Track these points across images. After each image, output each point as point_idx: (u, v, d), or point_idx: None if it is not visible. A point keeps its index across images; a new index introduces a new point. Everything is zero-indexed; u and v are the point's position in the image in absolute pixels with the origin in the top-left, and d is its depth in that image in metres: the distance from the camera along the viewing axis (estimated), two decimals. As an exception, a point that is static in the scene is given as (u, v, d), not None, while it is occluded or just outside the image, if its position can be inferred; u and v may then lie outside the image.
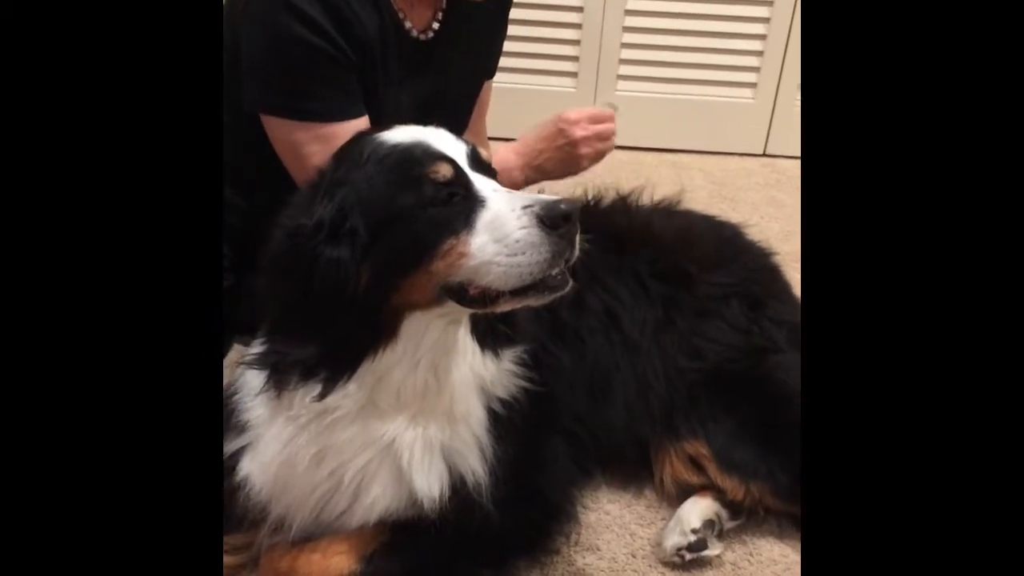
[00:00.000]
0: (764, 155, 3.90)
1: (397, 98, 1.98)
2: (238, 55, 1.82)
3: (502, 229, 1.27)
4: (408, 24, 1.94)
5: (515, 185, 2.08)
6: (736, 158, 3.85)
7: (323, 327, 1.35)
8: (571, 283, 1.32)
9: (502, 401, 1.52)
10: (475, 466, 1.48)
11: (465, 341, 1.46)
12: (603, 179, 2.21)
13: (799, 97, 3.78)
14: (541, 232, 1.25)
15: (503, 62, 2.36)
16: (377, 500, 1.46)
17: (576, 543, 1.76)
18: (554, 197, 1.29)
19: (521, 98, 3.71)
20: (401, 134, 1.41)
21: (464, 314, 1.40)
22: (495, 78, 2.37)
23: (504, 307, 1.34)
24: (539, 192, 1.49)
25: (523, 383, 1.54)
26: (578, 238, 1.29)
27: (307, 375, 1.37)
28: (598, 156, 2.19)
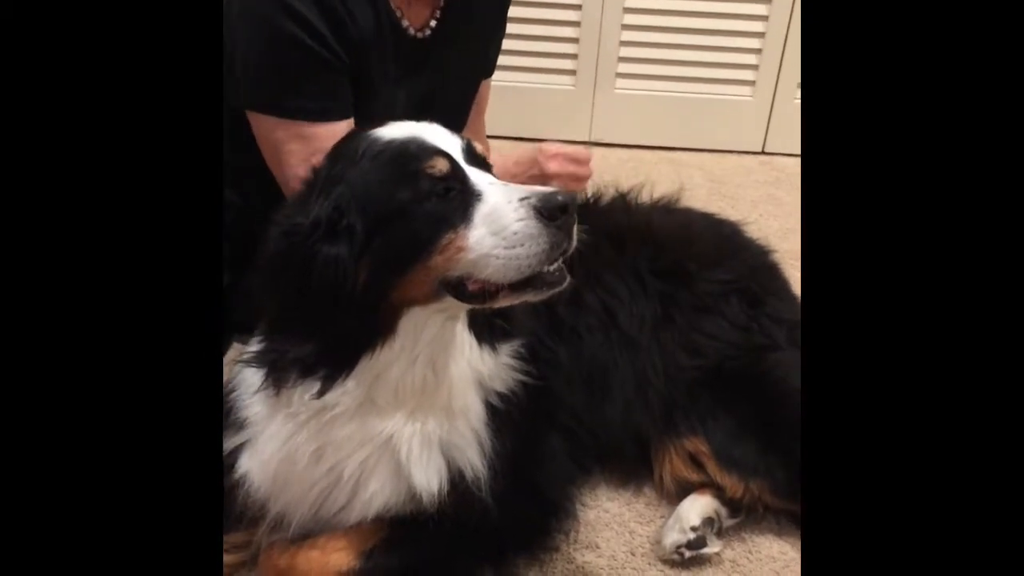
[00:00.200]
0: (763, 153, 3.90)
1: (394, 96, 1.98)
2: (232, 55, 1.82)
3: (499, 222, 1.27)
4: (405, 22, 1.93)
5: None
6: (735, 156, 3.85)
7: (321, 325, 1.35)
8: (569, 279, 1.33)
9: (500, 395, 1.52)
10: (473, 460, 1.48)
11: (463, 336, 1.46)
12: (602, 177, 2.21)
13: (798, 95, 3.78)
14: (538, 223, 1.25)
15: (502, 60, 2.36)
16: (376, 495, 1.46)
17: (575, 541, 1.76)
18: (551, 189, 1.29)
19: (520, 96, 3.72)
20: (396, 130, 1.41)
21: (462, 310, 1.40)
22: (494, 76, 2.36)
23: (502, 302, 1.34)
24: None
25: (521, 377, 1.54)
26: (575, 229, 1.29)
27: (306, 373, 1.37)
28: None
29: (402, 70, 1.97)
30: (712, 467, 1.78)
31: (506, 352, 1.53)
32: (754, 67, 3.76)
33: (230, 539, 1.58)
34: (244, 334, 1.56)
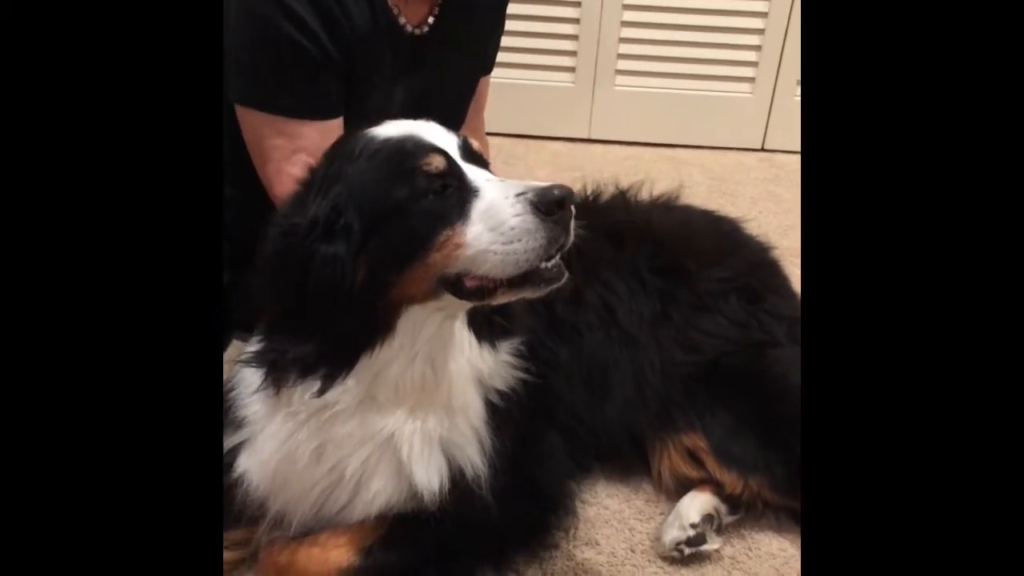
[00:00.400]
0: (762, 150, 3.90)
1: (391, 94, 1.98)
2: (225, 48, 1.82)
3: (497, 217, 1.27)
4: (403, 20, 1.93)
5: None
6: (734, 153, 3.85)
7: (321, 324, 1.35)
8: (567, 275, 1.33)
9: (500, 393, 1.52)
10: (474, 458, 1.49)
11: (462, 334, 1.46)
12: (602, 174, 2.21)
13: (797, 92, 3.78)
14: (535, 218, 1.25)
15: (501, 57, 2.36)
16: (378, 494, 1.46)
17: (575, 537, 1.76)
18: (547, 184, 1.29)
19: (519, 93, 3.72)
20: (392, 128, 1.41)
21: (461, 307, 1.40)
22: (493, 73, 2.36)
23: (501, 299, 1.34)
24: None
25: (520, 375, 1.54)
26: (572, 224, 1.29)
27: (306, 372, 1.37)
28: None
29: (399, 67, 1.97)
30: (711, 463, 1.78)
31: (506, 350, 1.53)
32: (754, 64, 3.76)
33: (230, 536, 1.59)
34: (244, 332, 1.56)
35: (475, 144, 1.45)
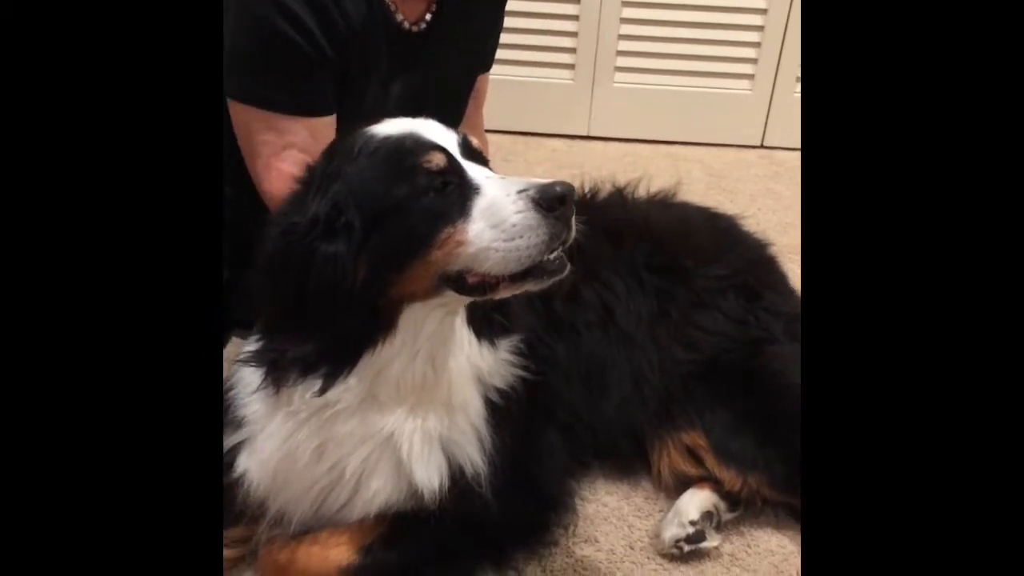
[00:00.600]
0: (761, 147, 3.89)
1: (388, 91, 1.97)
2: None
3: (498, 214, 1.27)
4: (400, 16, 1.92)
5: None
6: (733, 150, 3.85)
7: (322, 323, 1.34)
8: (569, 267, 1.33)
9: (499, 391, 1.52)
10: (473, 456, 1.49)
11: (462, 331, 1.46)
12: (600, 171, 2.21)
13: (796, 88, 3.77)
14: (537, 215, 1.26)
15: (499, 54, 2.35)
16: (378, 492, 1.46)
17: (574, 535, 1.76)
18: (548, 180, 1.29)
19: (518, 90, 3.71)
20: (392, 126, 1.41)
21: (461, 303, 1.40)
22: (492, 70, 2.35)
23: (503, 293, 1.35)
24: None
25: (519, 372, 1.54)
26: (574, 220, 1.30)
27: (306, 371, 1.37)
28: None
29: (397, 65, 1.96)
30: (710, 461, 1.78)
31: (505, 348, 1.53)
32: (753, 61, 3.75)
33: (230, 534, 1.59)
34: (243, 331, 1.56)
35: (475, 141, 1.45)
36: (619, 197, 2.07)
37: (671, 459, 1.82)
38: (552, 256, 1.30)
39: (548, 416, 1.72)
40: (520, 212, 1.26)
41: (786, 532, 1.80)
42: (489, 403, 1.52)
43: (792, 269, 2.13)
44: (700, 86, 3.80)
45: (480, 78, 2.29)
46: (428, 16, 1.97)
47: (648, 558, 1.74)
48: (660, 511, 1.84)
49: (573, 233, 1.30)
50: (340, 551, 1.48)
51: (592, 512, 1.84)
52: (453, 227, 1.29)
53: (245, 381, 1.50)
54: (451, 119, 1.48)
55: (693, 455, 1.81)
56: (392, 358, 1.39)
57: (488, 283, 1.32)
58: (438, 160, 1.33)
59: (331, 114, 1.87)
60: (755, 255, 2.06)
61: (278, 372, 1.40)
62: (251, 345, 1.49)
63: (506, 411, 1.53)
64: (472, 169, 1.35)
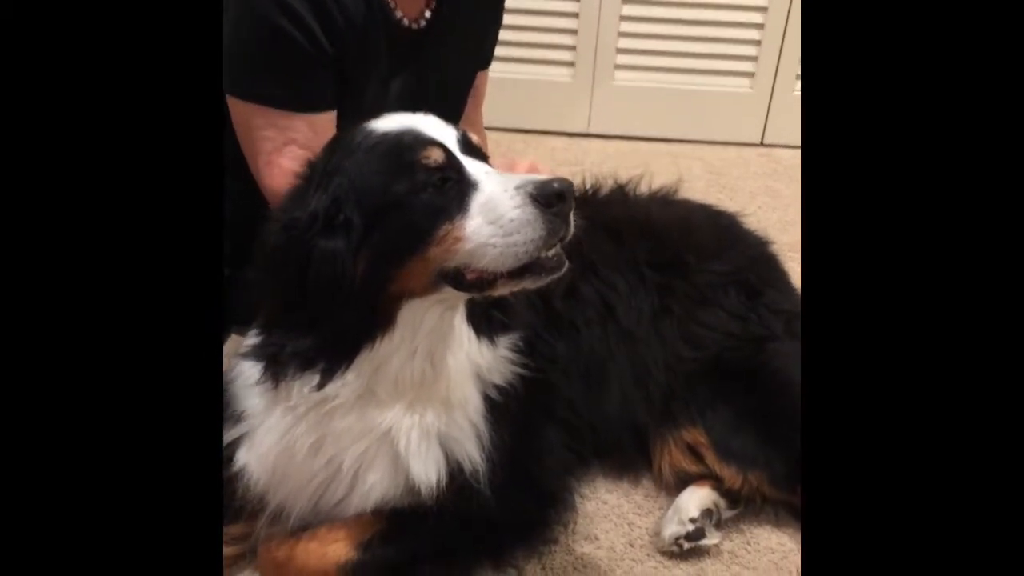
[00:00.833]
0: (761, 144, 3.89)
1: (387, 88, 1.97)
2: None
3: (496, 210, 1.27)
4: (399, 13, 1.92)
5: None
6: (733, 147, 3.84)
7: (321, 319, 1.35)
8: (567, 264, 1.33)
9: (498, 388, 1.52)
10: (472, 453, 1.48)
11: (461, 328, 1.46)
12: (601, 169, 2.20)
13: (796, 86, 3.76)
14: (535, 210, 1.25)
15: (499, 51, 2.35)
16: (375, 487, 1.46)
17: (574, 532, 1.77)
18: (546, 176, 1.29)
19: (518, 88, 3.70)
20: (391, 122, 1.41)
21: (460, 300, 1.40)
22: (491, 68, 2.35)
23: (501, 290, 1.35)
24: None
25: (518, 370, 1.54)
26: (572, 216, 1.29)
27: (305, 366, 1.37)
28: None
29: (396, 61, 1.96)
30: (711, 458, 1.78)
31: (504, 345, 1.53)
32: (753, 59, 3.75)
33: (229, 531, 1.59)
34: (243, 326, 1.56)
35: (474, 137, 1.45)
36: (620, 194, 2.07)
37: (671, 456, 1.82)
38: (550, 253, 1.30)
39: (547, 413, 1.72)
40: (518, 208, 1.26)
41: (786, 530, 1.80)
42: (488, 400, 1.52)
43: (792, 267, 2.13)
44: (700, 84, 3.80)
45: (479, 75, 2.29)
46: (427, 13, 1.97)
47: (648, 555, 1.74)
48: (660, 509, 1.84)
49: (572, 229, 1.30)
50: (338, 547, 1.48)
51: (592, 510, 1.84)
52: (451, 223, 1.29)
53: (245, 375, 1.50)
54: (451, 116, 1.47)
55: (693, 452, 1.81)
56: (391, 354, 1.39)
57: (486, 280, 1.32)
58: (436, 156, 1.33)
59: (332, 110, 1.87)
60: (756, 253, 2.06)
61: (277, 367, 1.40)
62: (251, 339, 1.49)
63: (505, 408, 1.53)
64: (471, 165, 1.35)
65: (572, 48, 3.73)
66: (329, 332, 1.35)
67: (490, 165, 1.39)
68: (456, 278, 1.33)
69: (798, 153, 3.73)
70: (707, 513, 1.75)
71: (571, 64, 3.76)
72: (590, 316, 1.80)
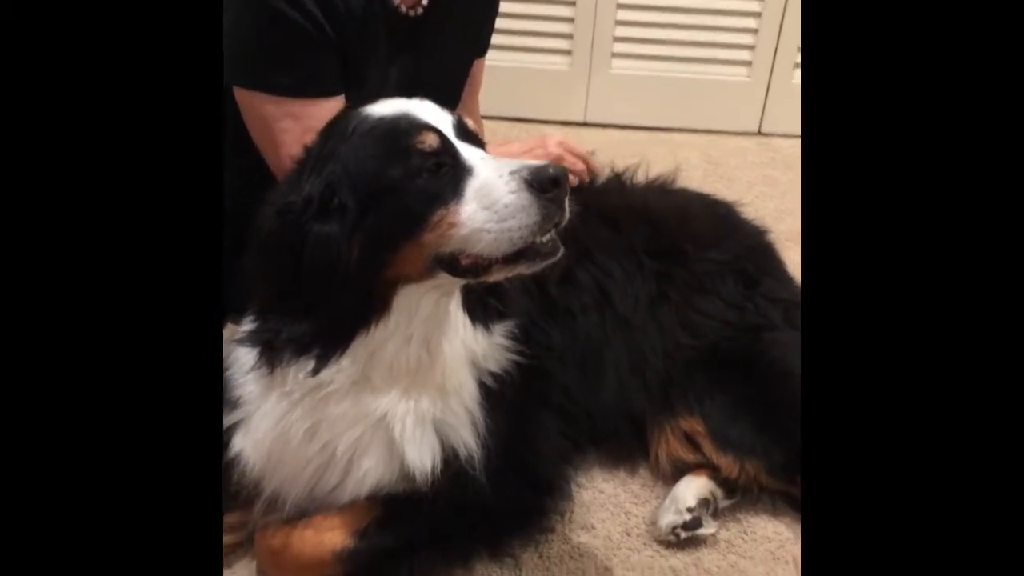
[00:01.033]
0: (759, 134, 3.88)
1: (386, 75, 1.97)
2: None
3: (491, 196, 1.27)
4: (396, 0, 1.92)
5: None
6: (731, 137, 3.84)
7: (315, 304, 1.34)
8: (562, 250, 1.32)
9: (493, 375, 1.52)
10: (467, 439, 1.48)
11: (456, 315, 1.45)
12: (598, 158, 2.20)
13: (794, 75, 3.76)
14: (530, 196, 1.25)
15: (495, 40, 2.34)
16: (369, 473, 1.46)
17: (570, 521, 1.76)
18: (541, 162, 1.29)
19: (514, 76, 3.69)
20: (387, 107, 1.40)
21: (456, 286, 1.40)
22: (488, 56, 2.35)
23: (496, 276, 1.34)
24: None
25: (514, 357, 1.54)
26: (567, 201, 1.29)
27: (300, 352, 1.37)
28: None
29: (393, 48, 1.96)
30: (708, 447, 1.77)
31: (500, 332, 1.53)
32: (750, 47, 3.74)
33: (225, 520, 1.59)
34: (238, 314, 1.55)
35: (470, 123, 1.44)
36: (617, 183, 2.07)
37: (669, 445, 1.82)
38: (545, 239, 1.30)
39: (543, 400, 1.72)
40: (512, 193, 1.25)
41: (783, 519, 1.80)
42: (483, 387, 1.51)
43: (789, 256, 2.13)
44: (697, 73, 3.79)
45: (476, 64, 2.29)
46: (424, 1, 1.96)
47: (645, 545, 1.74)
48: (657, 498, 1.84)
49: (567, 215, 1.30)
50: (334, 535, 1.48)
51: (589, 499, 1.83)
52: (446, 208, 1.28)
53: (241, 362, 1.49)
54: (447, 104, 1.47)
55: (691, 441, 1.80)
56: (385, 340, 1.38)
57: (481, 265, 1.32)
58: (431, 141, 1.32)
59: (342, 95, 1.87)
60: (754, 242, 2.06)
61: (272, 353, 1.40)
62: (247, 326, 1.49)
63: (500, 395, 1.53)
64: (466, 150, 1.34)
65: (569, 36, 3.71)
66: (324, 317, 1.35)
67: (485, 151, 1.39)
68: (451, 264, 1.32)
69: (795, 142, 3.73)
70: (704, 502, 1.74)
71: (568, 52, 3.75)
72: (586, 303, 1.80)
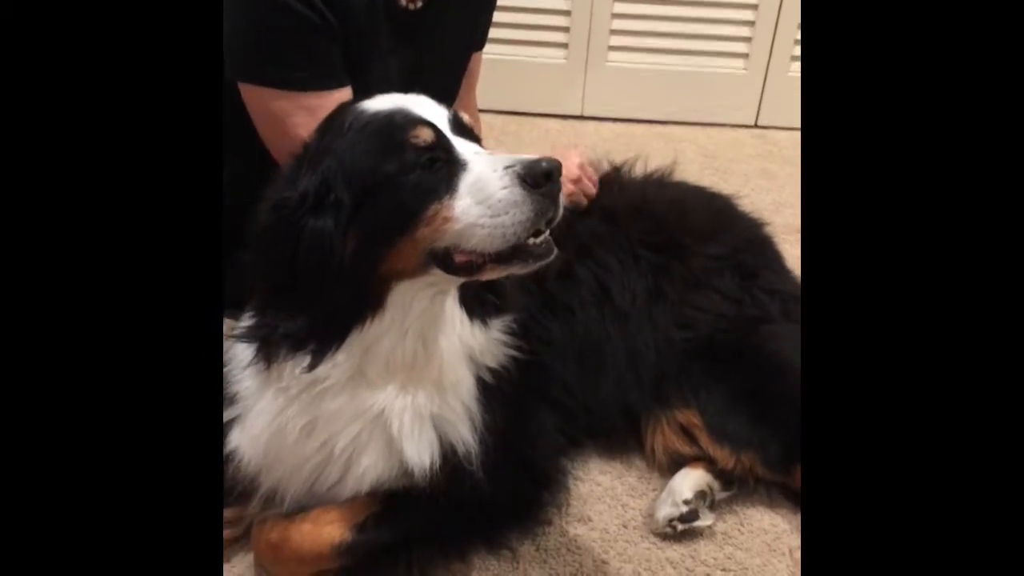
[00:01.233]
0: (756, 126, 3.88)
1: (386, 68, 1.96)
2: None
3: (485, 190, 1.26)
4: None
5: None
6: (728, 129, 3.84)
7: (311, 299, 1.34)
8: (555, 251, 1.32)
9: (491, 370, 1.52)
10: (465, 435, 1.48)
11: (453, 311, 1.45)
12: (595, 151, 2.20)
13: (791, 68, 3.76)
14: (523, 191, 1.25)
15: (493, 33, 2.34)
16: (368, 470, 1.46)
17: (567, 514, 1.77)
18: (535, 156, 1.28)
19: (512, 70, 3.69)
20: (382, 102, 1.40)
21: (451, 283, 1.40)
22: (485, 49, 2.34)
23: (489, 275, 1.34)
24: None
25: (512, 352, 1.54)
26: (561, 197, 1.29)
27: (296, 347, 1.37)
28: (570, 196, 1.98)
29: (393, 42, 1.96)
30: (704, 439, 1.78)
31: (497, 327, 1.53)
32: (747, 40, 3.74)
33: (224, 515, 1.58)
34: (235, 310, 1.55)
35: (466, 117, 1.44)
36: (615, 176, 2.07)
37: (665, 438, 1.82)
38: (539, 240, 1.30)
39: (541, 395, 1.72)
40: (506, 188, 1.25)
41: (779, 511, 1.81)
42: (481, 382, 1.51)
43: (786, 249, 2.13)
44: (694, 65, 3.79)
45: (473, 57, 2.28)
46: None
47: (642, 537, 1.75)
48: (653, 490, 1.84)
49: (560, 210, 1.30)
50: (333, 529, 1.48)
51: (585, 491, 1.84)
52: (440, 203, 1.28)
53: (238, 357, 1.50)
54: (445, 98, 1.47)
55: (687, 434, 1.81)
56: (381, 335, 1.38)
57: (475, 263, 1.31)
58: (426, 135, 1.32)
59: (349, 86, 1.87)
60: (751, 235, 2.06)
61: (269, 348, 1.40)
62: (244, 321, 1.49)
63: (498, 390, 1.53)
64: (460, 145, 1.34)
65: (566, 30, 3.71)
66: (320, 313, 1.35)
67: (482, 146, 1.39)
68: (445, 260, 1.32)
69: (792, 134, 3.74)
70: (701, 495, 1.75)
71: (565, 46, 3.75)
72: (585, 298, 1.80)
